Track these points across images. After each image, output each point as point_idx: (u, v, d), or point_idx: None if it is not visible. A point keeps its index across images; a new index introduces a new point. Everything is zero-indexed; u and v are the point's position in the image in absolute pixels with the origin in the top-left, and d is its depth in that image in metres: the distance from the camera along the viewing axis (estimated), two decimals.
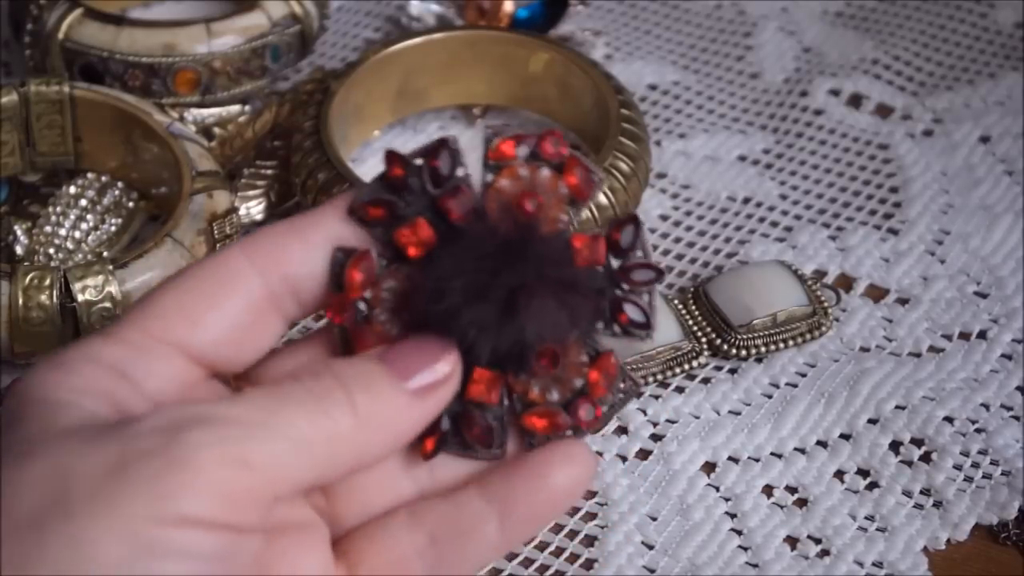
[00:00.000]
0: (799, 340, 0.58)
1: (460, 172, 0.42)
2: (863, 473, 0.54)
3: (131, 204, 0.61)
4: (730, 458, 0.54)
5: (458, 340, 0.40)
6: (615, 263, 0.43)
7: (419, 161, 0.42)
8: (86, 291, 0.53)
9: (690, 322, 0.58)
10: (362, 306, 0.41)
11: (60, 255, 0.59)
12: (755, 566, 0.51)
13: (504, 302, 0.40)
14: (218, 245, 0.56)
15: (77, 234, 0.60)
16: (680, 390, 0.57)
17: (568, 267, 0.42)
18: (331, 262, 0.41)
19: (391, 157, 0.42)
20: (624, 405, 0.44)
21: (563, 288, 0.41)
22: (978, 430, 0.55)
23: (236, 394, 0.38)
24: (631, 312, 0.43)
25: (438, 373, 0.39)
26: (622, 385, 0.44)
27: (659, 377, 0.56)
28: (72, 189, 0.61)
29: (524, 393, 0.42)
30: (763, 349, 0.57)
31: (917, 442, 0.55)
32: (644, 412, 0.56)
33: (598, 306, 0.43)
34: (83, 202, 0.60)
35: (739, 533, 0.52)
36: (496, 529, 0.41)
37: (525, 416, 0.42)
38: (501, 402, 0.42)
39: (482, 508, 0.41)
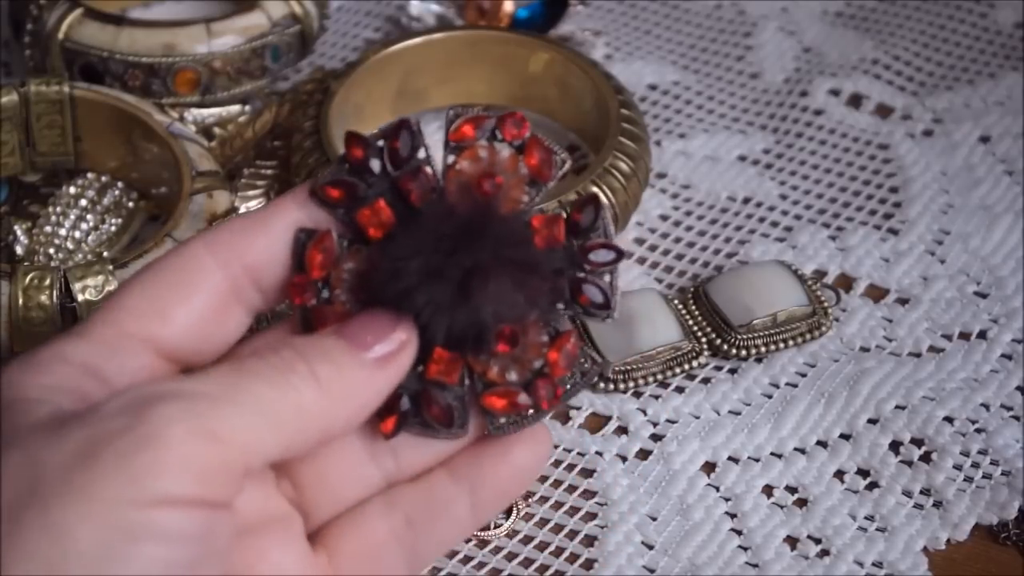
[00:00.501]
0: (799, 340, 0.58)
1: (421, 154, 0.42)
2: (863, 473, 0.54)
3: (131, 204, 0.61)
4: (730, 458, 0.54)
5: (415, 320, 0.40)
6: (575, 244, 0.43)
7: (380, 143, 0.42)
8: (86, 291, 0.53)
9: (690, 322, 0.58)
10: (322, 287, 0.42)
11: (60, 255, 0.59)
12: (755, 566, 0.51)
13: (460, 282, 0.40)
14: None
15: (77, 234, 0.60)
16: (680, 390, 0.57)
17: (526, 247, 0.42)
18: (293, 243, 0.42)
19: (351, 138, 0.42)
20: (585, 386, 0.44)
21: (520, 268, 0.41)
22: (978, 430, 0.55)
23: (200, 371, 0.39)
24: (591, 293, 0.43)
25: (395, 342, 0.40)
26: (584, 365, 0.44)
27: (659, 377, 0.56)
28: (72, 189, 0.61)
29: (484, 373, 0.42)
30: (763, 349, 0.57)
31: (917, 442, 0.55)
32: (644, 412, 0.56)
33: (556, 286, 0.42)
34: (83, 202, 0.60)
35: (739, 533, 0.52)
36: (467, 507, 0.42)
37: (484, 396, 0.42)
38: (462, 382, 0.42)
39: (452, 489, 0.42)
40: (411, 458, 0.43)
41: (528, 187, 0.43)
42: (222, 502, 0.36)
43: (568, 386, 0.44)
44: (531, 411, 0.43)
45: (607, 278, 0.44)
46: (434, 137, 0.67)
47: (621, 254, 0.44)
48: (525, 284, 0.41)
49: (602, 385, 0.56)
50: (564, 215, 0.43)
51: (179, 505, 0.35)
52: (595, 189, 0.59)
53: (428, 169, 0.43)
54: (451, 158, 0.43)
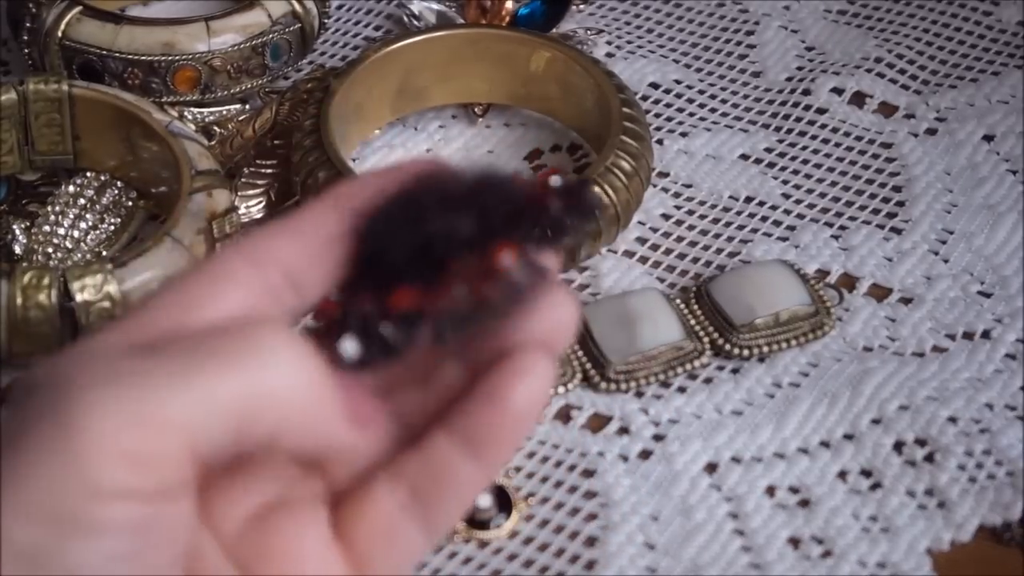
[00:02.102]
0: (802, 340, 0.57)
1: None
2: (866, 473, 0.54)
3: (130, 203, 0.61)
4: (732, 458, 0.54)
5: (376, 250, 0.40)
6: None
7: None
8: (85, 291, 0.53)
9: (692, 322, 0.58)
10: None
11: (59, 254, 0.59)
12: (757, 567, 0.51)
13: (418, 212, 0.39)
14: (218, 244, 0.56)
15: (76, 233, 0.60)
16: (682, 390, 0.57)
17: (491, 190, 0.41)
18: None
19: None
20: (538, 286, 0.41)
21: (478, 199, 0.40)
22: (982, 430, 0.55)
23: (139, 350, 0.37)
24: (559, 199, 0.42)
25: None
26: (533, 269, 0.42)
27: (661, 377, 0.56)
28: (71, 188, 0.60)
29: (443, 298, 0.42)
30: (765, 349, 0.57)
31: (920, 442, 0.55)
32: (646, 412, 0.56)
33: (517, 206, 0.41)
34: (82, 201, 0.60)
35: (741, 534, 0.52)
36: (471, 467, 0.40)
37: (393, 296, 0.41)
38: (421, 313, 0.41)
39: (452, 450, 0.40)
40: (409, 408, 0.42)
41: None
42: (163, 491, 0.35)
43: (517, 290, 0.42)
44: (473, 309, 0.40)
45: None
46: (435, 137, 0.68)
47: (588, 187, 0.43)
48: (481, 208, 0.40)
49: (604, 385, 0.56)
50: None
51: (115, 496, 0.34)
52: (597, 188, 0.58)
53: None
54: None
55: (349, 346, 0.40)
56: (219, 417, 0.36)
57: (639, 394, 0.56)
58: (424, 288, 0.41)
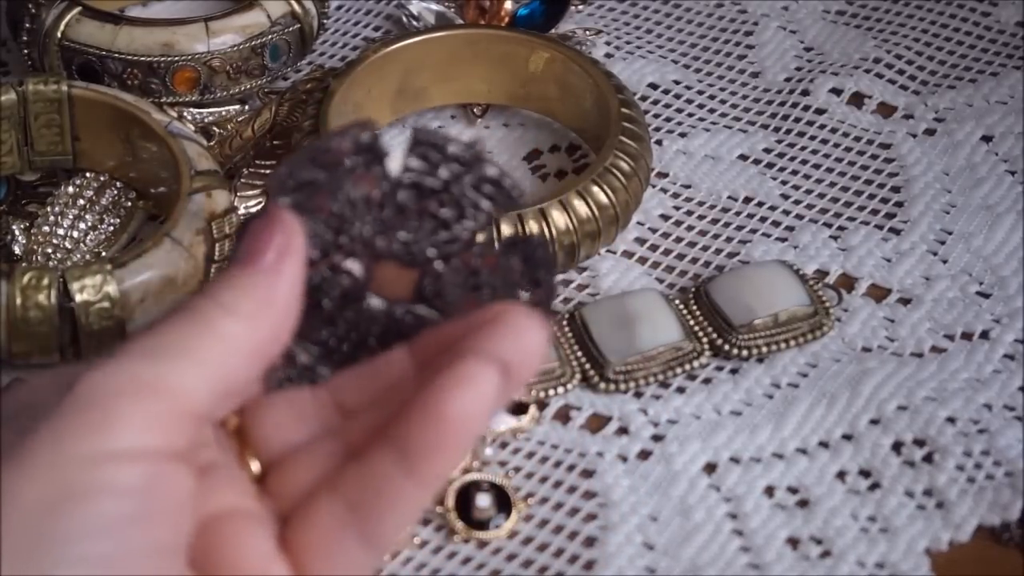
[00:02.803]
0: (801, 340, 0.57)
1: None
2: (865, 474, 0.54)
3: (129, 203, 0.61)
4: (731, 459, 0.54)
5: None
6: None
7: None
8: (84, 291, 0.53)
9: (691, 322, 0.58)
10: None
11: (58, 255, 0.59)
12: (756, 567, 0.51)
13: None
14: (217, 244, 0.56)
15: (75, 234, 0.60)
16: (681, 390, 0.57)
17: None
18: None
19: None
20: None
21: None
22: (980, 431, 0.55)
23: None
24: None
25: (280, 241, 0.41)
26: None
27: (660, 377, 0.56)
28: (70, 188, 0.60)
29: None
30: (764, 349, 0.57)
31: (919, 443, 0.55)
32: (645, 412, 0.56)
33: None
34: (81, 201, 0.60)
35: (740, 534, 0.52)
36: (406, 481, 0.40)
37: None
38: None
39: (388, 463, 0.40)
40: (353, 399, 0.43)
41: None
42: (168, 452, 0.37)
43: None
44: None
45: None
46: None
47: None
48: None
49: (603, 385, 0.56)
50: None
51: (122, 459, 0.36)
52: (595, 188, 0.58)
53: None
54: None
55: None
56: (209, 375, 0.39)
57: (638, 394, 0.56)
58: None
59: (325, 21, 0.68)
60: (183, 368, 0.38)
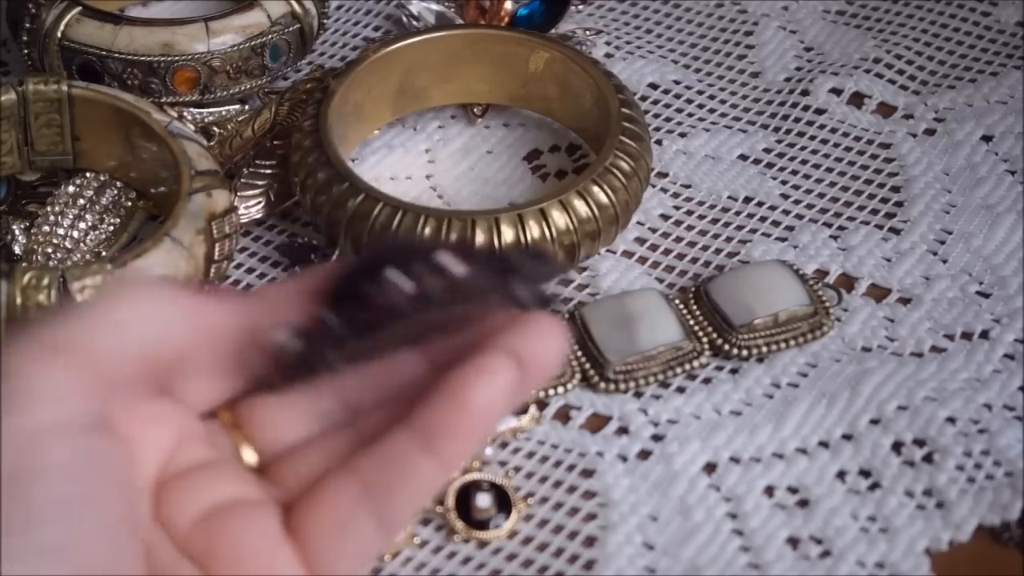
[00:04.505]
0: (800, 340, 0.57)
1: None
2: (865, 474, 0.54)
3: (130, 203, 0.61)
4: (731, 459, 0.54)
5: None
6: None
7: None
8: (84, 291, 0.53)
9: (691, 322, 0.58)
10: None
11: (58, 254, 0.59)
12: (756, 567, 0.51)
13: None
14: (217, 244, 0.56)
15: (75, 233, 0.60)
16: (681, 390, 0.57)
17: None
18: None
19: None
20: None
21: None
22: (980, 431, 0.55)
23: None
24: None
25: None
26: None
27: (660, 377, 0.56)
28: (70, 188, 0.60)
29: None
30: (764, 349, 0.57)
31: (919, 443, 0.55)
32: (645, 412, 0.56)
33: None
34: (81, 201, 0.60)
35: (740, 534, 0.52)
36: (427, 462, 0.41)
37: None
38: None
39: (408, 444, 0.41)
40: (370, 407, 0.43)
41: None
42: (98, 420, 0.37)
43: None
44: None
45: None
46: (434, 137, 0.68)
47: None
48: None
49: (603, 385, 0.56)
50: None
51: (56, 432, 0.36)
52: (595, 188, 0.58)
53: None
54: None
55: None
56: (116, 343, 0.38)
57: (638, 394, 0.56)
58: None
59: (325, 21, 0.68)
60: (90, 332, 0.38)
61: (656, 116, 0.69)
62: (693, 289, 0.59)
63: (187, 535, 0.40)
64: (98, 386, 0.37)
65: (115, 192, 0.61)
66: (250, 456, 0.43)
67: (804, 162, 0.67)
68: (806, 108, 0.69)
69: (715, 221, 0.64)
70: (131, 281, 0.40)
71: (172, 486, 0.41)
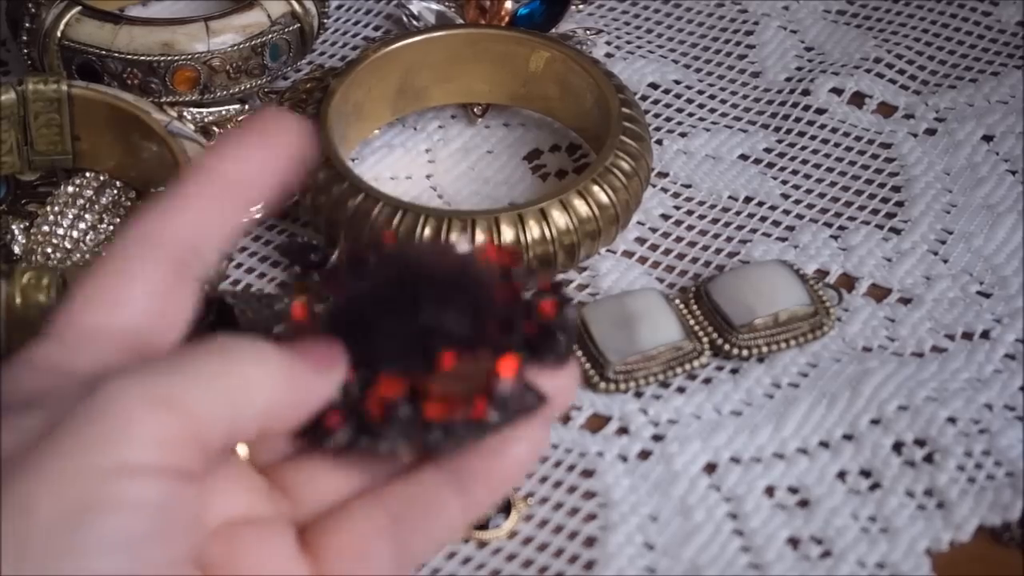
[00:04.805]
0: (801, 340, 0.57)
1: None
2: (865, 474, 0.54)
3: (129, 203, 0.61)
4: (732, 459, 0.54)
5: (365, 339, 0.42)
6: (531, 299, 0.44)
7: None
8: None
9: (691, 322, 0.58)
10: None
11: (58, 254, 0.59)
12: (757, 567, 0.51)
13: (413, 299, 0.41)
14: None
15: (75, 233, 0.60)
16: (681, 390, 0.57)
17: (485, 281, 0.43)
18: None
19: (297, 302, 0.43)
20: (526, 414, 0.43)
21: (473, 292, 0.42)
22: (981, 431, 0.55)
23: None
24: (545, 317, 0.43)
25: (327, 353, 0.41)
26: (527, 398, 0.44)
27: (660, 377, 0.56)
28: (70, 188, 0.60)
29: (428, 394, 0.43)
30: (765, 349, 0.57)
31: (920, 443, 0.55)
32: (645, 412, 0.56)
33: (506, 318, 0.43)
34: (81, 201, 0.60)
35: (741, 534, 0.52)
36: (456, 502, 0.42)
37: (424, 403, 0.42)
38: (406, 400, 0.42)
39: (440, 484, 0.42)
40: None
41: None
42: (185, 471, 0.37)
43: (505, 411, 0.43)
44: (467, 424, 0.43)
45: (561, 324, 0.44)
46: (434, 137, 0.68)
47: (567, 301, 0.44)
48: (476, 307, 0.42)
49: (603, 385, 0.56)
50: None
51: (138, 473, 0.36)
52: (595, 187, 0.58)
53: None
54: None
55: (340, 436, 0.42)
56: (225, 407, 0.38)
57: (638, 394, 0.56)
58: (411, 378, 0.42)
59: (325, 21, 0.68)
60: (200, 391, 0.37)
61: (656, 116, 0.69)
62: (693, 289, 0.59)
63: (199, 541, 0.40)
64: (192, 449, 0.37)
65: (115, 192, 0.61)
66: (242, 449, 0.43)
67: (805, 162, 0.67)
68: (807, 108, 0.69)
69: (715, 221, 0.64)
70: (245, 343, 0.40)
71: None
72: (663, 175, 0.66)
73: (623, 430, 0.55)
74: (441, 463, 0.42)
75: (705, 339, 0.57)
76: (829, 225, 0.63)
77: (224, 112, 0.65)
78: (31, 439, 0.36)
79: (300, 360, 0.40)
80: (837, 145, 0.67)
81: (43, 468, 0.35)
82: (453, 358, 0.42)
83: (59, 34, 0.63)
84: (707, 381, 0.57)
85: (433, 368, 0.42)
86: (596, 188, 0.59)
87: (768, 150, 0.67)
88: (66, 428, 0.36)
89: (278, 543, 0.41)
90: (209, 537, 0.40)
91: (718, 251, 0.62)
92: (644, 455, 0.55)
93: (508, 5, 0.70)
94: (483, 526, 0.52)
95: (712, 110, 0.69)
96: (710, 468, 0.54)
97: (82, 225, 0.60)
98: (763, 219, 0.64)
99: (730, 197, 0.65)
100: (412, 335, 0.41)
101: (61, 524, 0.35)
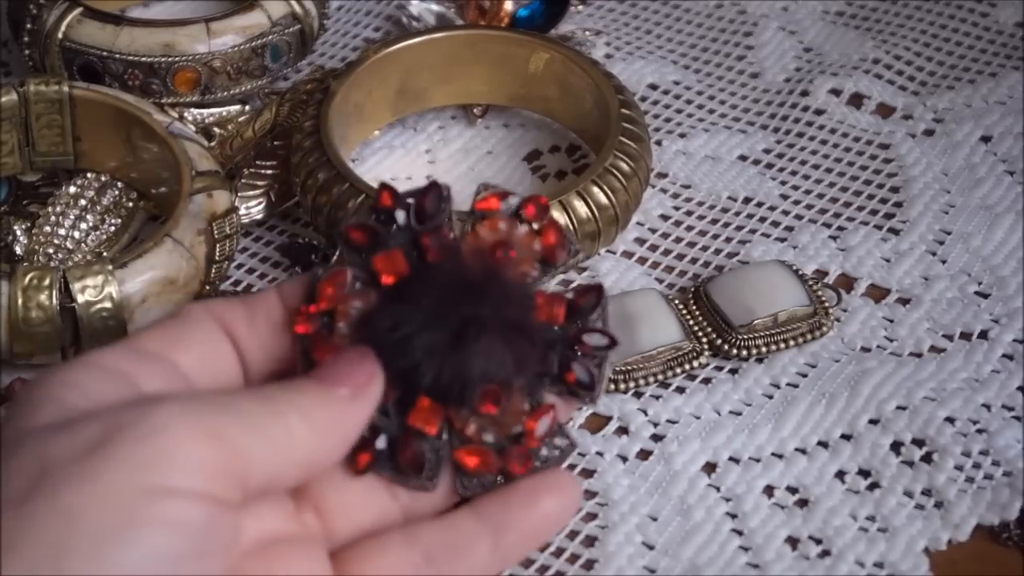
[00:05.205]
0: (800, 340, 0.58)
1: (444, 217, 0.44)
2: (864, 473, 0.54)
3: (131, 204, 0.61)
4: (731, 458, 0.54)
5: (406, 365, 0.42)
6: (573, 325, 0.45)
7: (409, 199, 0.44)
8: (86, 291, 0.53)
9: (691, 322, 0.58)
10: (327, 321, 0.43)
11: (60, 255, 0.59)
12: (756, 567, 0.51)
13: (455, 332, 0.42)
14: (218, 245, 0.56)
15: (77, 234, 0.60)
16: (681, 390, 0.57)
17: (523, 314, 0.44)
18: (308, 277, 0.43)
19: (382, 188, 0.44)
20: (559, 463, 0.45)
21: (514, 331, 0.43)
22: (979, 430, 0.55)
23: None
24: (579, 372, 0.45)
25: (362, 376, 0.42)
26: (558, 442, 0.45)
27: (660, 377, 0.56)
28: (72, 189, 0.61)
29: (462, 430, 0.43)
30: (764, 349, 0.57)
31: (918, 442, 0.55)
32: (645, 412, 0.56)
33: (546, 358, 0.44)
34: (82, 202, 0.60)
35: (740, 534, 0.52)
36: (488, 549, 0.43)
37: (457, 451, 0.43)
38: (440, 435, 0.43)
39: (475, 529, 0.43)
40: (423, 497, 0.44)
41: (538, 265, 0.45)
42: (225, 500, 0.38)
43: (540, 461, 0.44)
44: (500, 476, 0.44)
45: (596, 362, 0.45)
46: (433, 138, 0.68)
47: (615, 342, 0.45)
48: (516, 347, 0.43)
49: None
50: (567, 296, 0.45)
51: (185, 497, 0.37)
52: (595, 188, 0.59)
53: (449, 231, 0.44)
54: (469, 223, 0.45)
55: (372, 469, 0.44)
56: (267, 452, 0.39)
57: (638, 394, 0.56)
58: (447, 411, 0.43)
59: (325, 22, 0.68)
60: (246, 432, 0.39)
61: (656, 116, 0.69)
62: (693, 289, 0.59)
63: (235, 564, 0.40)
64: (233, 482, 0.38)
65: (116, 193, 0.61)
66: None
67: (803, 162, 0.67)
68: (805, 109, 0.69)
69: (715, 221, 0.64)
70: (293, 393, 0.41)
71: None
72: (662, 176, 0.66)
73: (623, 430, 0.55)
74: (477, 509, 0.44)
75: (704, 339, 0.57)
76: (828, 225, 0.64)
77: (225, 113, 0.65)
78: (85, 448, 0.37)
79: (337, 388, 0.41)
80: (836, 146, 0.67)
81: (94, 479, 0.36)
82: (492, 401, 0.43)
83: (60, 35, 0.63)
84: (706, 381, 0.57)
85: (470, 406, 0.43)
86: (596, 189, 0.59)
87: (767, 151, 0.67)
88: (118, 444, 0.37)
89: (312, 563, 0.42)
90: (243, 556, 0.40)
91: (717, 251, 0.63)
92: (644, 455, 0.55)
93: (508, 6, 0.70)
94: None
95: (711, 111, 0.69)
96: (709, 468, 0.54)
97: (83, 226, 0.60)
98: (762, 219, 0.64)
99: (729, 198, 0.65)
100: (453, 367, 0.42)
101: (104, 535, 0.36)
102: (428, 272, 0.43)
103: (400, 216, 0.44)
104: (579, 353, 0.45)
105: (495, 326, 0.42)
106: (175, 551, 0.36)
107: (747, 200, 0.65)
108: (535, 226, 0.45)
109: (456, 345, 0.42)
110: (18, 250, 0.59)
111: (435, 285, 0.43)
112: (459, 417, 0.44)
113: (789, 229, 0.64)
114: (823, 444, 0.55)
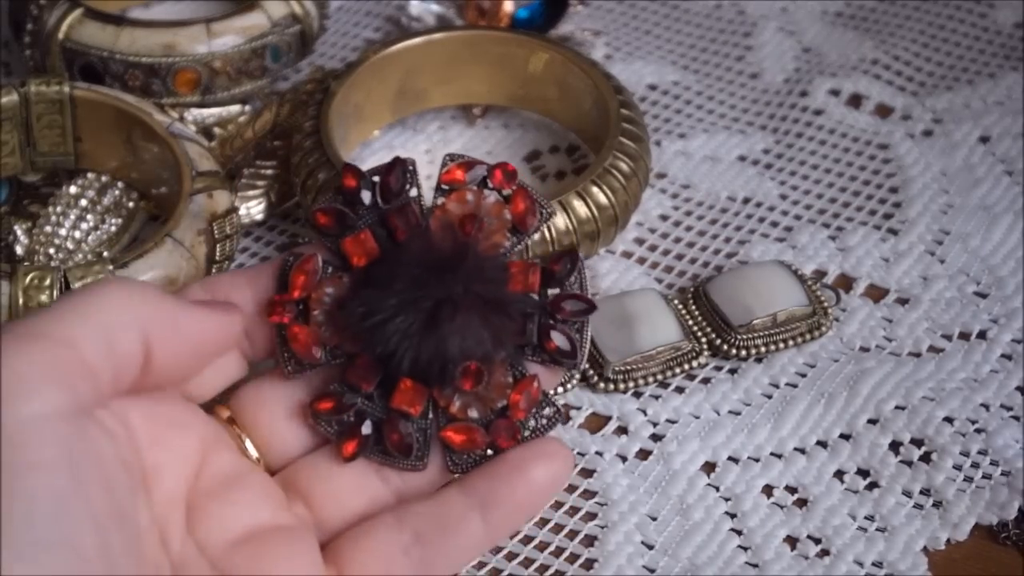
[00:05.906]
0: (799, 340, 0.58)
1: (412, 192, 0.44)
2: (863, 473, 0.54)
3: (131, 204, 0.61)
4: (730, 458, 0.54)
5: (383, 351, 0.42)
6: (549, 293, 0.44)
7: (374, 177, 0.44)
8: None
9: (690, 322, 0.58)
10: (301, 308, 0.44)
11: (60, 255, 0.59)
12: (755, 566, 0.51)
13: (429, 313, 0.42)
14: (218, 245, 0.56)
15: (77, 234, 0.60)
16: (680, 390, 0.57)
17: (498, 287, 0.43)
18: (279, 264, 0.43)
19: (346, 169, 0.44)
20: (546, 431, 0.45)
21: (490, 306, 0.43)
22: (978, 430, 0.55)
23: None
24: (558, 340, 0.45)
25: (226, 309, 0.43)
26: (545, 411, 0.45)
27: (659, 377, 0.56)
28: (72, 189, 0.61)
29: (447, 408, 0.43)
30: (763, 349, 0.57)
31: (917, 442, 0.55)
32: (644, 412, 0.56)
33: (524, 329, 0.44)
34: (83, 202, 0.60)
35: (739, 533, 0.52)
36: (480, 524, 0.43)
37: (443, 430, 0.43)
38: (425, 415, 0.43)
39: (465, 505, 0.43)
40: (417, 476, 0.44)
41: (510, 234, 0.45)
42: (75, 407, 0.37)
43: (528, 431, 0.44)
44: (488, 450, 0.44)
45: (576, 328, 0.45)
46: (433, 138, 0.68)
47: (592, 307, 0.45)
48: (493, 322, 0.42)
49: (602, 385, 0.56)
50: (541, 264, 0.44)
51: (36, 427, 0.36)
52: (594, 188, 0.59)
53: (416, 207, 0.44)
54: (439, 199, 0.44)
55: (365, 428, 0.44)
56: (92, 334, 0.39)
57: (637, 394, 0.57)
58: (430, 390, 0.43)
59: (325, 22, 0.68)
60: (68, 320, 0.39)
61: (655, 117, 0.69)
62: (692, 289, 0.59)
63: (223, 555, 0.40)
64: (79, 373, 0.38)
65: (117, 193, 0.61)
66: (253, 450, 0.44)
67: (802, 163, 0.67)
68: (804, 109, 0.69)
69: (714, 221, 0.64)
70: (113, 280, 0.41)
71: (208, 504, 0.41)
72: (662, 176, 0.66)
73: (622, 430, 0.56)
74: (465, 484, 0.43)
75: (704, 339, 0.57)
76: (827, 226, 0.64)
77: (225, 113, 0.65)
78: None
79: (192, 302, 0.42)
80: (835, 146, 0.68)
81: None
82: (473, 378, 0.43)
83: (61, 36, 0.63)
84: (706, 381, 0.57)
85: (452, 385, 0.43)
86: (595, 189, 0.59)
87: (766, 151, 0.67)
88: None
89: (303, 551, 0.42)
90: (232, 548, 0.40)
91: (716, 251, 0.63)
92: (643, 454, 0.55)
93: (507, 7, 0.71)
94: None
95: (710, 111, 0.69)
96: (709, 467, 0.54)
97: (84, 226, 0.60)
98: (761, 220, 0.64)
99: (728, 198, 0.65)
100: (431, 349, 0.42)
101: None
102: (398, 253, 0.43)
103: (366, 196, 0.44)
104: (559, 320, 0.45)
105: (469, 303, 0.42)
106: (53, 491, 0.36)
107: (746, 200, 0.65)
108: (504, 193, 0.45)
109: (431, 326, 0.42)
110: (19, 250, 0.59)
111: (406, 266, 0.42)
112: (443, 396, 0.43)
113: (788, 229, 0.64)
114: (822, 444, 0.55)
